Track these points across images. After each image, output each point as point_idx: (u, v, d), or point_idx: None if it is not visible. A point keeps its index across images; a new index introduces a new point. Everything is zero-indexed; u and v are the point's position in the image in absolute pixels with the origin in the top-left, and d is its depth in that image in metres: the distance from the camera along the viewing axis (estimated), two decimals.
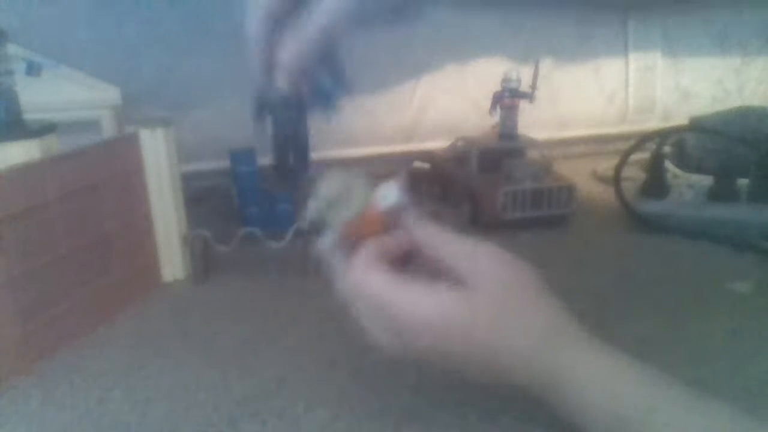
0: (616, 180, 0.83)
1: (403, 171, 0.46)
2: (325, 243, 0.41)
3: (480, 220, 0.81)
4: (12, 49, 0.56)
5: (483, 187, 0.82)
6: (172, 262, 0.66)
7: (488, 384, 0.40)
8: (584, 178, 1.01)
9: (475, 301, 0.37)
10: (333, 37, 0.38)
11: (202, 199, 0.80)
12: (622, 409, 0.34)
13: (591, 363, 0.36)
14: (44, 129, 0.56)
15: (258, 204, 0.81)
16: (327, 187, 0.39)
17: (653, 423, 0.33)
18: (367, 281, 0.38)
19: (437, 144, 1.05)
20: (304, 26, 0.38)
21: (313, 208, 0.40)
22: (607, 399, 0.35)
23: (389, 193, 0.40)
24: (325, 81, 0.41)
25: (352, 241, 0.40)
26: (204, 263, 0.67)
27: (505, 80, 0.86)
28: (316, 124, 1.01)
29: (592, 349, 0.37)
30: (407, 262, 0.41)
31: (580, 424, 0.36)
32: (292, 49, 0.39)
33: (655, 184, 0.85)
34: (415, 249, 0.40)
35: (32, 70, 0.61)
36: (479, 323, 0.36)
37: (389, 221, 0.40)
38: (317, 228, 0.40)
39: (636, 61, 1.18)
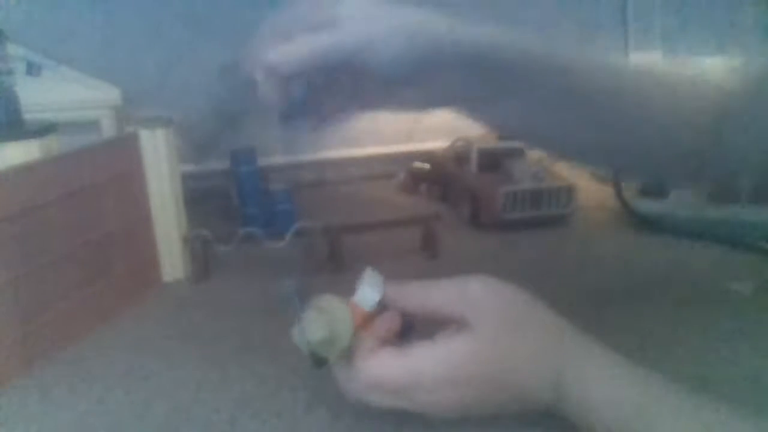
0: (615, 180, 0.83)
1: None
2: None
3: (480, 220, 0.81)
4: (12, 49, 0.56)
5: (483, 187, 0.82)
6: (172, 262, 0.66)
7: (512, 412, 0.40)
8: (584, 178, 1.01)
9: (482, 335, 0.37)
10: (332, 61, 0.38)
11: (202, 199, 0.80)
12: (625, 413, 0.35)
13: (596, 369, 0.37)
14: (44, 129, 0.57)
15: (258, 204, 0.81)
16: (312, 333, 0.38)
17: (657, 427, 0.33)
18: (373, 373, 0.38)
19: (437, 144, 1.05)
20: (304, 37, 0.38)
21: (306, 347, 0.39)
22: (611, 404, 0.35)
23: (367, 296, 0.40)
24: (301, 91, 0.41)
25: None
26: (204, 263, 0.67)
27: None
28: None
29: (596, 355, 0.38)
30: (406, 335, 0.41)
31: (583, 420, 0.37)
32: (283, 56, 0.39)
33: (655, 185, 0.85)
34: (408, 319, 0.41)
35: (32, 70, 0.61)
36: (493, 355, 0.37)
37: (376, 313, 0.41)
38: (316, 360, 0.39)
39: (636, 61, 1.18)
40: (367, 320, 0.40)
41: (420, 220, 0.73)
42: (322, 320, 0.38)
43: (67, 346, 0.54)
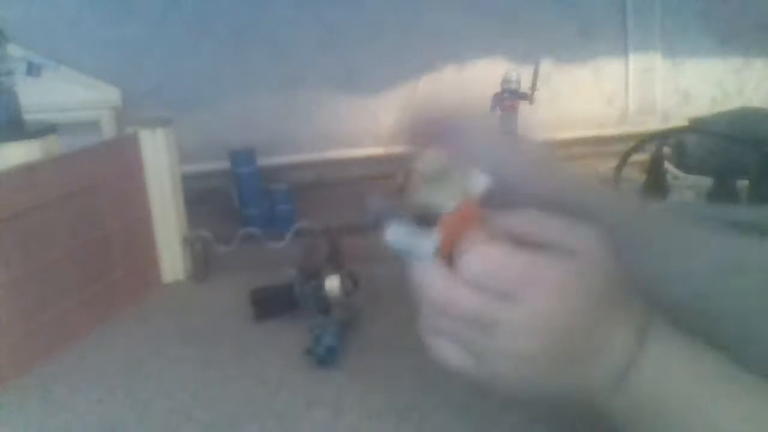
0: (616, 181, 0.83)
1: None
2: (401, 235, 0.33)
3: None
4: (12, 49, 0.56)
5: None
6: (172, 263, 0.66)
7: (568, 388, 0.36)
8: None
9: (591, 263, 0.34)
10: None
11: (202, 199, 0.79)
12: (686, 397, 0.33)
13: (679, 365, 0.35)
14: (44, 130, 0.57)
15: (258, 204, 0.81)
16: (426, 166, 0.33)
17: (717, 414, 0.33)
18: (481, 263, 0.33)
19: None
20: None
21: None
22: (686, 404, 0.34)
23: (477, 180, 0.34)
24: None
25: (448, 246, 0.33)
26: (204, 263, 0.67)
27: (505, 81, 0.86)
28: (317, 126, 1.01)
29: (682, 352, 0.36)
30: None
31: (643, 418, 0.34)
32: None
33: (655, 185, 0.84)
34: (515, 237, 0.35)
35: (32, 70, 0.61)
36: (597, 284, 0.34)
37: (485, 214, 0.34)
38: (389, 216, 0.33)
39: (636, 62, 1.18)
40: (476, 212, 0.34)
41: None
42: (437, 158, 0.33)
43: (67, 346, 0.54)
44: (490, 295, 0.32)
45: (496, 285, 0.32)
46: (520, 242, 0.34)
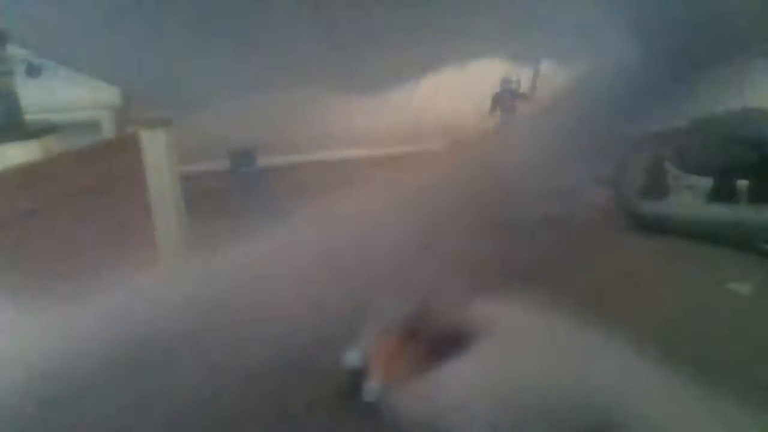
0: (616, 181, 0.83)
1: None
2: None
3: None
4: (12, 49, 0.56)
5: None
6: (172, 263, 0.66)
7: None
8: (584, 179, 1.01)
9: (487, 354, 0.34)
10: None
11: (202, 199, 0.79)
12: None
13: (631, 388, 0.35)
14: (44, 130, 0.57)
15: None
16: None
17: None
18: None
19: (437, 145, 1.05)
20: None
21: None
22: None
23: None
24: None
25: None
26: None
27: (505, 81, 0.86)
28: (318, 126, 1.01)
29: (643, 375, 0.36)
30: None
31: None
32: None
33: (656, 186, 0.85)
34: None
35: (32, 71, 0.61)
36: (500, 376, 0.33)
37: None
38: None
39: None
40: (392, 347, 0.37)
41: None
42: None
43: None
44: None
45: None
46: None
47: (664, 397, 0.34)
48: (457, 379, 0.34)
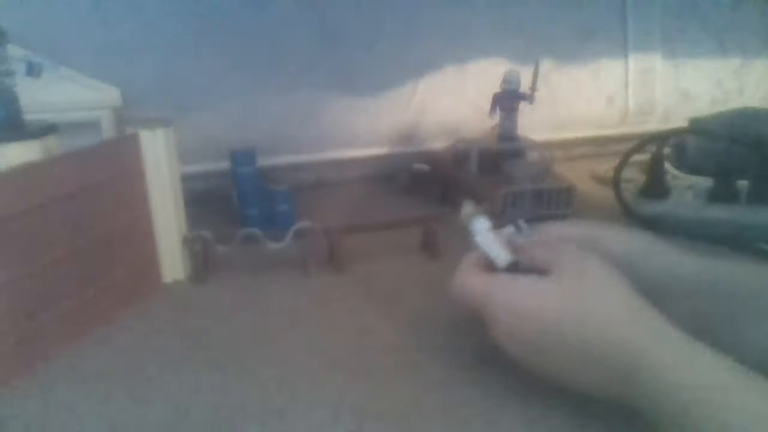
0: (615, 181, 0.83)
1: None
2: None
3: None
4: (12, 49, 0.56)
5: (483, 189, 0.82)
6: (172, 263, 0.66)
7: (577, 380, 0.41)
8: (584, 179, 1.01)
9: (553, 287, 0.41)
10: None
11: (202, 199, 0.80)
12: (699, 389, 0.34)
13: (680, 358, 0.36)
14: (45, 130, 0.57)
15: (258, 205, 0.81)
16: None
17: (730, 404, 0.33)
18: (460, 280, 0.46)
19: (437, 145, 1.05)
20: None
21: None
22: (684, 378, 0.35)
23: (478, 240, 0.48)
24: None
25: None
26: (204, 264, 0.67)
27: (505, 81, 0.86)
28: (318, 126, 1.01)
29: (681, 344, 0.37)
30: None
31: (654, 403, 0.35)
32: None
33: (655, 186, 0.85)
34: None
35: (32, 70, 0.61)
36: (558, 306, 0.40)
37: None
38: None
39: (636, 62, 1.18)
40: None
41: (420, 220, 0.73)
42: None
43: (67, 346, 0.54)
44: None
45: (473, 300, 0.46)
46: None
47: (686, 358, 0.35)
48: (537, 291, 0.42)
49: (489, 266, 0.47)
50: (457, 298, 0.47)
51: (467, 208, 0.51)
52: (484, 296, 0.44)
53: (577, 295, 0.40)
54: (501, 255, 0.47)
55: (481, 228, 0.48)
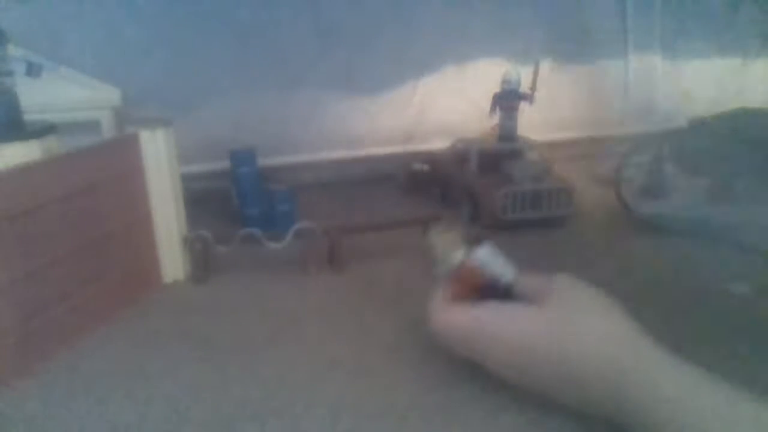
0: (616, 181, 0.83)
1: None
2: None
3: (480, 221, 0.81)
4: (12, 49, 0.56)
5: (483, 189, 0.82)
6: (172, 263, 0.66)
7: (569, 401, 0.41)
8: (584, 179, 1.01)
9: (541, 314, 0.41)
10: None
11: (202, 199, 0.80)
12: (697, 421, 0.34)
13: (663, 372, 0.37)
14: (44, 130, 0.57)
15: (258, 205, 0.81)
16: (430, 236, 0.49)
17: (714, 422, 0.33)
18: (441, 318, 0.45)
19: (437, 145, 1.05)
20: None
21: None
22: (679, 410, 0.35)
23: (479, 254, 0.47)
24: None
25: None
26: (204, 264, 0.67)
27: (505, 81, 0.86)
28: (318, 126, 1.01)
29: (664, 360, 0.37)
30: (485, 294, 0.46)
31: (641, 422, 0.36)
32: None
33: (655, 186, 0.85)
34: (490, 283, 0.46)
35: (32, 71, 0.61)
36: (545, 332, 0.40)
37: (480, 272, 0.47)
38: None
39: (636, 62, 1.18)
40: (467, 273, 0.47)
41: (420, 220, 0.73)
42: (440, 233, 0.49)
43: (67, 346, 0.54)
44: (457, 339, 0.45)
45: (455, 336, 0.45)
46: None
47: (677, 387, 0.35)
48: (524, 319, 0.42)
49: (459, 296, 0.46)
50: (440, 335, 0.45)
51: (436, 230, 0.49)
52: (473, 331, 0.43)
53: (566, 323, 0.40)
54: (507, 272, 0.46)
55: (485, 249, 0.47)
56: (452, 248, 0.47)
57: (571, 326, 0.40)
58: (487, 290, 0.46)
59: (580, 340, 0.39)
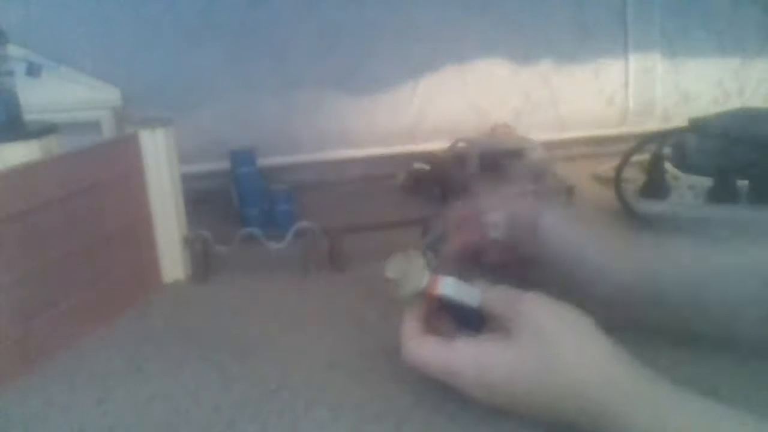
0: (616, 181, 0.83)
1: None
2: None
3: None
4: (12, 49, 0.56)
5: (483, 189, 0.82)
6: (172, 263, 0.66)
7: (551, 422, 0.40)
8: (584, 179, 1.01)
9: (518, 353, 0.40)
10: None
11: (202, 199, 0.80)
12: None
13: (644, 399, 0.37)
14: (44, 130, 0.57)
15: (258, 204, 0.81)
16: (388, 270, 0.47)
17: None
18: (415, 353, 0.44)
19: (437, 145, 1.05)
20: None
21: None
22: (654, 423, 0.35)
23: (447, 281, 0.45)
24: None
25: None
26: (204, 264, 0.67)
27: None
28: (318, 126, 1.01)
29: (646, 386, 0.37)
30: (472, 325, 0.45)
31: None
32: None
33: (655, 186, 0.84)
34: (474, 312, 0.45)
35: (32, 70, 0.61)
36: (522, 371, 0.39)
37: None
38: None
39: (636, 62, 1.18)
40: (434, 301, 0.45)
41: (420, 220, 0.73)
42: (400, 262, 0.47)
43: (67, 346, 0.54)
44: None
45: (428, 372, 0.44)
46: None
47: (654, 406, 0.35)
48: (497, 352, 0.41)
49: (429, 324, 0.45)
50: (415, 368, 0.44)
51: (396, 257, 0.48)
52: (450, 375, 0.42)
53: (541, 359, 0.39)
54: (473, 296, 0.45)
55: (449, 278, 0.46)
56: (416, 274, 0.45)
57: (547, 363, 0.39)
58: (456, 316, 0.45)
59: (558, 380, 0.38)
